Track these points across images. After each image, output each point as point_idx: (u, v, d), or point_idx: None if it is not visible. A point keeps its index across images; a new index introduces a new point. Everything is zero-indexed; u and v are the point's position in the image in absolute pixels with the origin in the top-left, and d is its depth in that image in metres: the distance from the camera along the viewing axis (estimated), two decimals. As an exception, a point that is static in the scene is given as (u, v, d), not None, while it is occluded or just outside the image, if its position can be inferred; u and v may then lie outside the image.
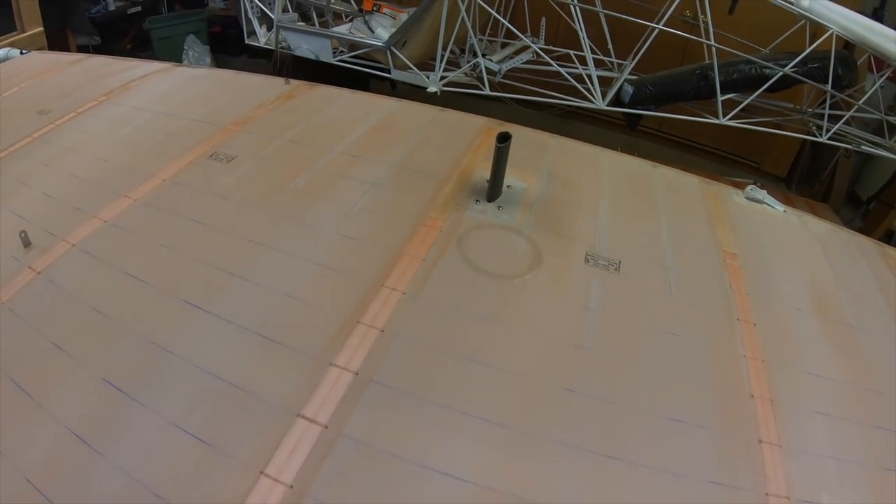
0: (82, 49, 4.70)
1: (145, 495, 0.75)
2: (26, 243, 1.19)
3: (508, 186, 1.28)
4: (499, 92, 2.82)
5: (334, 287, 1.00)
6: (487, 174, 1.24)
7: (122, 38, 5.27)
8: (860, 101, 2.81)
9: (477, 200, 1.23)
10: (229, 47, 5.41)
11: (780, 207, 1.54)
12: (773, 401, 0.97)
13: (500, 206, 1.22)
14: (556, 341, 0.95)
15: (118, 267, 1.11)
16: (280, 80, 1.85)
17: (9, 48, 2.96)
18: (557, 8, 2.86)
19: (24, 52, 2.90)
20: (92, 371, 0.90)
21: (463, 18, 2.61)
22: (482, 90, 2.74)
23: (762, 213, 1.50)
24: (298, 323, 0.94)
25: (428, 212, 1.17)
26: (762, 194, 1.54)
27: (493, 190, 1.22)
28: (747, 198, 1.54)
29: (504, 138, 1.12)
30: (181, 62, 4.81)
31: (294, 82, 1.83)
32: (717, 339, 1.04)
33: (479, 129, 1.56)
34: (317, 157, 1.38)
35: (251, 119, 1.58)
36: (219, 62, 5.21)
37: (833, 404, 1.01)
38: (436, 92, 2.71)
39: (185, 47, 4.97)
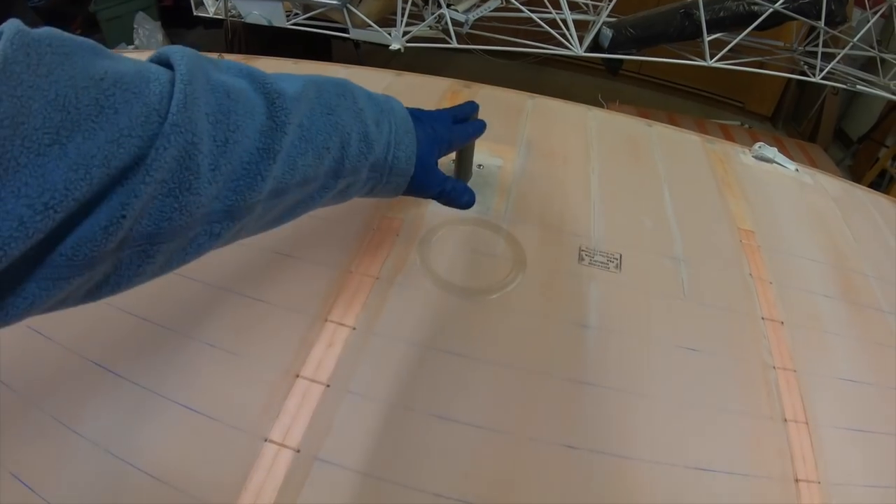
0: (29, 41, 4.38)
1: None
2: None
3: (480, 166, 1.06)
4: (468, 44, 2.57)
5: (265, 327, 0.76)
6: (453, 153, 1.03)
7: (70, 24, 4.84)
8: (855, 38, 2.63)
9: (442, 189, 1.01)
10: (183, 20, 5.00)
11: (791, 166, 1.35)
12: (809, 424, 0.79)
13: (471, 195, 1.00)
14: (548, 378, 0.74)
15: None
16: (213, 56, 1.59)
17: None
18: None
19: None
20: None
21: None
22: (450, 43, 2.49)
23: (774, 174, 1.30)
24: (221, 384, 0.70)
25: (380, 210, 0.94)
26: (772, 152, 1.35)
27: (461, 173, 1.00)
28: (756, 157, 1.34)
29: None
30: (132, 42, 4.48)
31: (226, 58, 1.57)
32: (741, 350, 0.85)
33: (441, 94, 1.31)
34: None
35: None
36: (172, 37, 4.95)
37: (873, 418, 0.83)
38: (399, 49, 2.46)
39: (135, 25, 4.63)
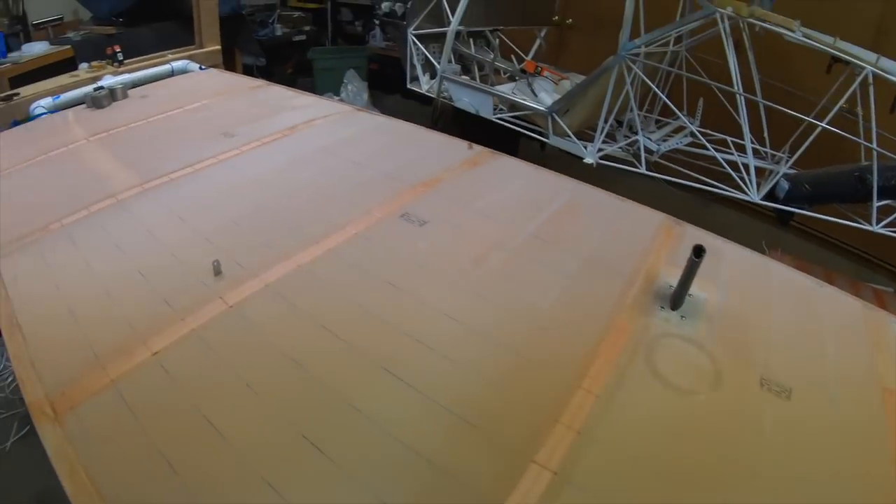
0: (247, 68, 5.18)
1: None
2: (217, 272, 1.27)
3: (690, 295, 1.32)
4: (653, 172, 2.85)
5: (532, 380, 1.08)
6: (668, 278, 1.31)
7: (284, 62, 5.74)
8: None
9: (661, 307, 1.29)
10: (385, 85, 5.74)
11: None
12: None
13: (682, 316, 1.28)
14: (733, 464, 0.99)
15: (311, 316, 1.19)
16: (462, 144, 1.99)
17: (187, 60, 3.32)
18: (718, 93, 2.85)
19: (202, 67, 3.20)
20: (287, 421, 0.99)
21: (626, 92, 2.68)
22: (638, 168, 2.78)
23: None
24: (495, 410, 1.01)
25: (618, 313, 1.25)
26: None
27: (678, 299, 1.28)
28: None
29: (700, 252, 1.19)
30: (339, 94, 5.16)
31: (477, 148, 1.96)
32: (871, 483, 1.04)
33: (658, 227, 1.62)
34: (508, 236, 1.47)
35: (439, 182, 1.71)
36: (374, 98, 5.51)
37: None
38: (592, 164, 2.78)
39: (345, 80, 5.34)
